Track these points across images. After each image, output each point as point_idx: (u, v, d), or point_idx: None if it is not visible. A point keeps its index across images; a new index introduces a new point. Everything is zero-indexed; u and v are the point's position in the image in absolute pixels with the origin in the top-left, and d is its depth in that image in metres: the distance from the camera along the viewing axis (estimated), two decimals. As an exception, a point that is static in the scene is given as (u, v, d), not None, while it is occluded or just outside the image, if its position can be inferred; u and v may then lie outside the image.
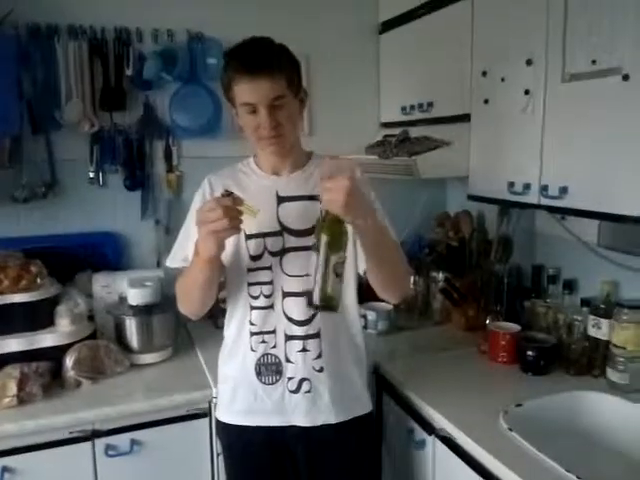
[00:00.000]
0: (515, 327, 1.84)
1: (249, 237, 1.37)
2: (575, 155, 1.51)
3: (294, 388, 1.40)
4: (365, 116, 2.47)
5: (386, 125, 2.45)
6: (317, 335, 1.39)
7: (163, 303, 1.89)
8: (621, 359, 1.58)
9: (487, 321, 1.91)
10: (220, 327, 2.00)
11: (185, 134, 2.21)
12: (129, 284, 1.91)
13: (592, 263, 1.83)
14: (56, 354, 1.72)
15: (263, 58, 1.27)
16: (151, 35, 2.13)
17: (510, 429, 1.40)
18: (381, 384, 1.80)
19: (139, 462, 1.64)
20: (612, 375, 1.61)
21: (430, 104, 2.08)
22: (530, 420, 1.44)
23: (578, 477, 1.20)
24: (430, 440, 1.56)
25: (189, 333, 2.11)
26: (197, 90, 2.17)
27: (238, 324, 1.44)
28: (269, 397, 1.41)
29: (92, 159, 2.12)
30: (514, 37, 1.67)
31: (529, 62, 1.61)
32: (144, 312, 1.86)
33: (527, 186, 1.65)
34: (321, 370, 1.40)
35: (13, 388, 1.58)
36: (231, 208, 1.18)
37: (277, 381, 1.41)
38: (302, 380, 1.40)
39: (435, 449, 1.54)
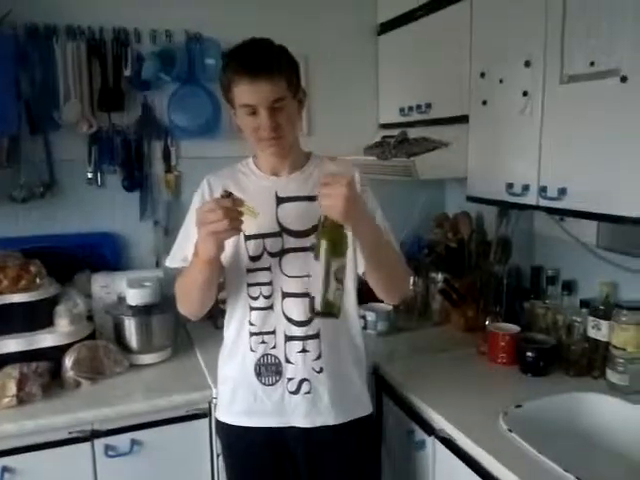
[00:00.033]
0: (514, 328, 1.84)
1: (248, 238, 1.37)
2: (573, 156, 1.51)
3: (294, 389, 1.40)
4: (364, 117, 2.48)
5: (385, 126, 2.45)
6: (317, 336, 1.39)
7: (162, 303, 1.89)
8: (621, 360, 1.58)
9: (486, 322, 1.91)
10: (219, 327, 2.00)
11: (183, 134, 2.21)
12: (128, 284, 1.91)
13: (591, 264, 1.83)
14: (55, 354, 1.72)
15: (263, 60, 1.27)
16: (149, 36, 2.13)
17: (510, 430, 1.40)
18: (381, 385, 1.80)
19: (139, 462, 1.64)
20: (612, 376, 1.61)
21: (428, 105, 2.09)
22: (530, 421, 1.44)
23: (577, 478, 1.20)
24: (430, 441, 1.56)
25: (188, 333, 2.11)
26: (195, 90, 2.17)
27: (238, 325, 1.43)
28: (269, 398, 1.41)
29: (90, 159, 2.11)
30: (512, 39, 1.68)
31: (527, 64, 1.61)
32: (143, 312, 1.86)
33: (526, 187, 1.65)
34: (321, 371, 1.40)
35: (12, 388, 1.58)
36: (231, 209, 1.18)
37: (277, 382, 1.41)
38: (302, 381, 1.40)
39: (435, 450, 1.55)
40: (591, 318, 1.70)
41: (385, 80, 2.46)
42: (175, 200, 2.25)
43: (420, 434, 1.60)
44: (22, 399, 1.59)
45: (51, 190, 2.06)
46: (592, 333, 1.70)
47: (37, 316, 1.76)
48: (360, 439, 1.49)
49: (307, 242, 1.36)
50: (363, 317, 2.04)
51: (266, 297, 1.40)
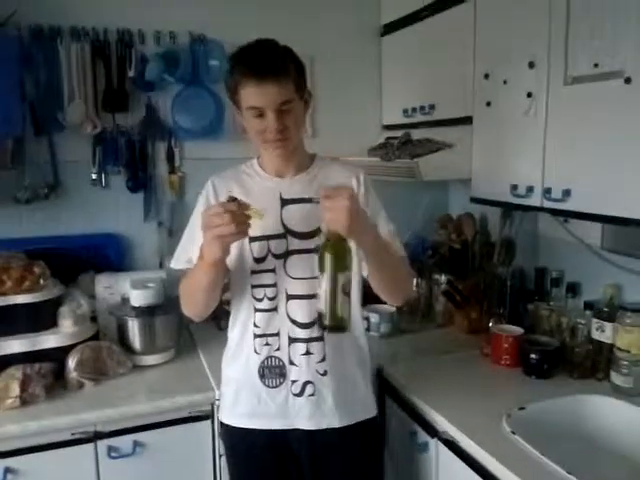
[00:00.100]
0: (518, 330, 1.83)
1: (253, 239, 1.37)
2: (578, 158, 1.51)
3: (298, 391, 1.40)
4: (367, 118, 2.48)
5: (388, 127, 2.45)
6: (321, 338, 1.39)
7: (166, 304, 1.89)
8: (625, 362, 1.57)
9: (490, 324, 1.90)
10: (223, 329, 2.00)
11: (187, 135, 2.21)
12: (132, 285, 1.91)
13: (595, 266, 1.83)
14: (59, 355, 1.72)
15: (270, 62, 1.26)
16: (153, 37, 2.14)
17: (513, 432, 1.39)
18: (384, 387, 1.80)
19: (141, 464, 1.64)
20: (616, 378, 1.60)
21: (432, 106, 2.08)
22: (533, 423, 1.44)
23: (581, 480, 1.20)
24: (433, 443, 1.55)
25: (192, 335, 2.11)
26: (199, 92, 2.18)
27: (242, 326, 1.43)
28: (273, 400, 1.41)
29: (94, 160, 2.12)
30: (516, 40, 1.67)
31: (531, 65, 1.61)
32: (146, 313, 1.86)
33: (530, 189, 1.65)
34: (325, 373, 1.40)
35: (16, 389, 1.58)
36: (238, 213, 1.18)
37: (281, 384, 1.40)
38: (306, 383, 1.40)
39: (438, 452, 1.54)
40: (595, 320, 1.70)
41: (388, 81, 2.46)
42: (179, 201, 2.25)
43: (423, 436, 1.59)
44: (25, 400, 1.59)
45: (55, 191, 2.07)
46: (596, 335, 1.69)
47: (41, 317, 1.76)
48: (365, 442, 1.48)
49: (311, 244, 1.36)
50: (366, 319, 2.03)
51: (270, 299, 1.39)
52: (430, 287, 2.29)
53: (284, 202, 1.40)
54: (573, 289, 1.88)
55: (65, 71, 2.00)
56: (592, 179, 1.47)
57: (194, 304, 1.42)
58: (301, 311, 1.38)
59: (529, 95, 1.63)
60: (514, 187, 1.70)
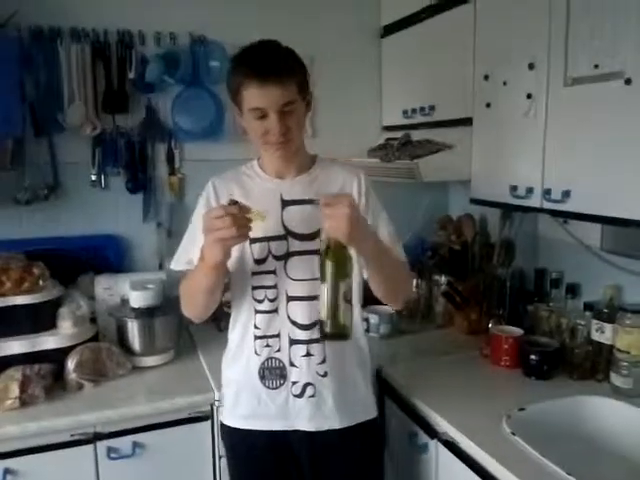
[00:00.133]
0: (518, 331, 1.83)
1: (253, 241, 1.36)
2: (578, 159, 1.51)
3: (298, 392, 1.40)
4: (367, 119, 2.48)
5: (388, 128, 2.45)
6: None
7: (165, 306, 1.89)
8: (625, 363, 1.58)
9: (490, 325, 1.90)
10: (222, 330, 2.01)
11: (187, 137, 2.21)
12: (131, 286, 1.91)
13: (595, 267, 1.83)
14: (58, 356, 1.72)
15: (273, 63, 1.26)
16: (154, 38, 2.14)
17: (513, 433, 1.39)
18: (383, 388, 1.80)
19: (141, 465, 1.64)
20: (616, 380, 1.60)
21: (432, 107, 2.08)
22: (533, 424, 1.44)
23: (581, 481, 1.20)
24: (433, 444, 1.55)
25: (191, 336, 2.11)
26: (199, 93, 2.17)
27: (242, 328, 1.43)
28: (273, 401, 1.41)
29: (94, 162, 2.12)
30: (516, 41, 1.68)
31: (531, 66, 1.61)
32: (146, 314, 1.86)
33: (530, 190, 1.65)
34: (325, 375, 1.40)
35: (15, 390, 1.58)
36: (239, 216, 1.18)
37: (281, 385, 1.40)
38: (306, 385, 1.39)
39: (438, 453, 1.54)
40: (595, 321, 1.70)
41: (388, 82, 2.46)
42: (178, 202, 2.25)
43: (423, 437, 1.59)
44: (25, 401, 1.59)
45: (55, 192, 2.07)
46: (596, 336, 1.69)
47: (40, 318, 1.76)
48: (365, 443, 1.48)
49: (312, 245, 1.36)
50: (366, 320, 2.03)
51: (271, 300, 1.39)
52: (430, 288, 2.29)
53: (285, 203, 1.39)
54: (573, 290, 1.88)
55: (65, 72, 2.00)
56: (592, 180, 1.47)
57: (194, 305, 1.42)
58: (301, 313, 1.38)
59: (529, 96, 1.63)
60: (514, 188, 1.70)
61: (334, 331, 1.22)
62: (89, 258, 2.11)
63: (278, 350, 1.40)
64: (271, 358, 1.40)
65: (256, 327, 1.40)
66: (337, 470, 1.45)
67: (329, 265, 1.20)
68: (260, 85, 1.25)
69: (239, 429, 1.45)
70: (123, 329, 1.86)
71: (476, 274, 2.18)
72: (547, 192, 1.59)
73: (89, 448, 1.59)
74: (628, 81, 1.34)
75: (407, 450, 1.68)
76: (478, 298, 2.10)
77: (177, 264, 1.46)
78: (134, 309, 1.87)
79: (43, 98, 1.99)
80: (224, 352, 1.51)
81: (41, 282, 1.77)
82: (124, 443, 1.61)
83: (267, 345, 1.40)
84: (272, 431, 1.42)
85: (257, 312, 1.40)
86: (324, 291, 1.20)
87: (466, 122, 1.91)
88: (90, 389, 1.70)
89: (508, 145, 1.74)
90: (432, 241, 2.43)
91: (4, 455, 1.50)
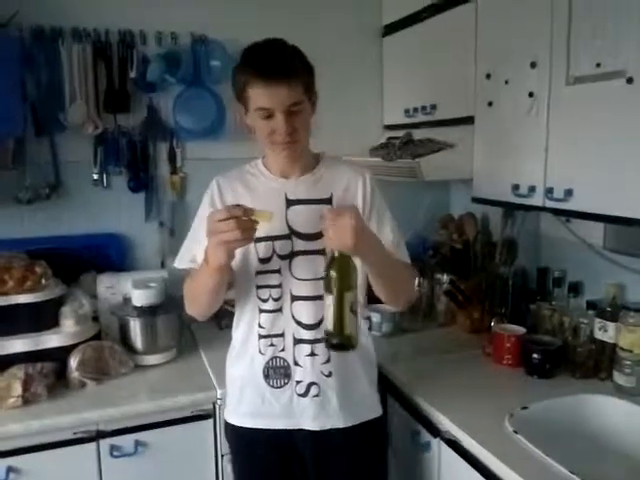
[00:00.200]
0: (520, 329, 1.83)
1: (258, 240, 1.35)
2: (580, 158, 1.51)
3: (302, 392, 1.40)
4: (368, 118, 2.48)
5: (389, 127, 2.45)
6: (326, 339, 1.39)
7: (167, 304, 1.89)
8: (628, 362, 1.57)
9: (492, 323, 1.91)
10: (223, 328, 2.02)
11: (189, 136, 2.21)
12: (133, 285, 1.91)
13: (598, 266, 1.83)
14: (61, 355, 1.72)
15: (281, 63, 1.25)
16: (155, 38, 2.14)
17: (515, 432, 1.39)
18: (385, 386, 1.79)
19: (143, 463, 1.64)
20: (619, 378, 1.60)
21: (433, 106, 2.08)
22: (536, 423, 1.44)
23: (584, 480, 1.20)
24: (435, 443, 1.55)
25: (193, 334, 2.11)
26: (201, 92, 2.18)
27: (246, 327, 1.43)
28: (277, 400, 1.41)
29: (96, 161, 2.12)
30: (518, 40, 1.67)
31: (533, 65, 1.61)
32: (148, 313, 1.86)
33: (532, 189, 1.64)
34: (329, 375, 1.40)
35: (18, 388, 1.58)
36: (243, 219, 1.18)
37: (285, 384, 1.40)
38: (310, 384, 1.39)
39: (440, 452, 1.54)
40: (598, 320, 1.70)
41: (390, 81, 2.46)
42: (180, 201, 2.25)
43: (425, 436, 1.59)
44: (27, 399, 1.59)
45: (57, 191, 2.07)
46: (599, 335, 1.69)
47: (42, 317, 1.76)
48: (370, 442, 1.48)
49: (317, 245, 1.36)
50: (368, 318, 2.02)
51: (275, 300, 1.39)
52: (432, 287, 2.29)
53: (289, 203, 1.39)
54: (575, 289, 1.88)
55: (66, 72, 2.00)
56: (594, 179, 1.47)
57: (198, 304, 1.42)
58: (306, 312, 1.38)
59: (531, 95, 1.62)
60: (516, 187, 1.70)
61: (340, 342, 1.23)
62: (91, 257, 2.12)
63: (282, 349, 1.39)
64: (275, 357, 1.40)
65: (260, 326, 1.40)
66: (341, 469, 1.45)
67: (334, 277, 1.20)
68: (267, 85, 1.24)
69: (243, 427, 1.45)
70: (125, 327, 1.87)
71: (478, 273, 2.18)
72: (549, 191, 1.58)
73: (92, 446, 1.59)
74: (630, 80, 1.34)
75: (409, 449, 1.68)
76: (480, 297, 2.10)
77: (181, 262, 1.46)
78: (136, 308, 1.87)
79: (44, 97, 1.99)
80: (227, 350, 1.51)
81: (43, 281, 1.77)
82: (127, 441, 1.61)
83: (271, 344, 1.40)
84: (276, 430, 1.42)
85: (261, 311, 1.40)
86: (330, 302, 1.20)
87: (468, 121, 1.90)
88: (93, 387, 1.70)
89: (510, 144, 1.74)
90: (434, 240, 2.42)
91: (7, 453, 1.50)
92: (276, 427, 1.42)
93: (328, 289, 1.21)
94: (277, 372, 1.40)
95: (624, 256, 1.74)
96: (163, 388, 1.71)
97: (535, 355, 1.71)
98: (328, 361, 1.39)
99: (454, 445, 1.47)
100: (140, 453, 1.63)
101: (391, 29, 2.37)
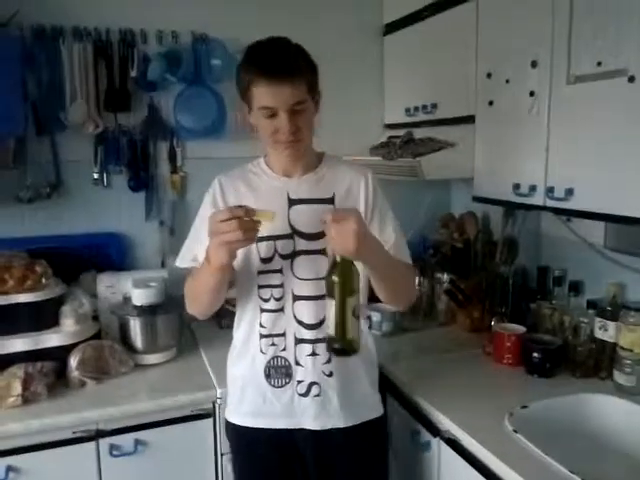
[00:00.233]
0: (520, 329, 1.83)
1: (260, 239, 1.34)
2: (581, 157, 1.50)
3: (303, 391, 1.40)
4: (369, 117, 2.48)
5: (390, 126, 2.45)
6: (327, 339, 1.39)
7: (167, 303, 1.89)
8: (628, 361, 1.57)
9: (492, 322, 1.90)
10: (224, 327, 2.02)
11: (189, 135, 2.21)
12: (133, 284, 1.91)
13: (598, 265, 1.82)
14: (61, 354, 1.72)
15: (285, 61, 1.24)
16: (155, 36, 2.14)
17: (515, 431, 1.39)
18: (385, 386, 1.79)
19: (143, 462, 1.64)
20: (619, 377, 1.60)
21: (434, 105, 2.08)
22: (536, 422, 1.44)
23: (583, 479, 1.20)
24: (435, 442, 1.55)
25: (193, 333, 2.11)
26: (201, 91, 2.17)
27: (248, 326, 1.43)
28: (278, 400, 1.41)
29: (96, 160, 2.12)
30: (519, 39, 1.67)
31: (534, 64, 1.61)
32: (148, 312, 1.86)
33: (533, 188, 1.64)
34: (331, 375, 1.40)
35: (18, 388, 1.58)
36: (245, 219, 1.17)
37: (286, 384, 1.40)
38: (312, 384, 1.39)
39: (440, 451, 1.54)
40: (598, 319, 1.69)
41: (391, 80, 2.46)
42: (181, 200, 2.25)
43: (425, 435, 1.59)
44: (27, 398, 1.59)
45: (57, 191, 2.07)
46: (599, 334, 1.69)
47: (43, 316, 1.76)
48: (371, 442, 1.48)
49: (319, 245, 1.35)
50: (368, 317, 2.02)
51: (277, 299, 1.39)
52: (432, 286, 2.29)
53: (291, 202, 1.39)
54: (576, 288, 1.88)
55: (67, 71, 2.00)
56: (595, 178, 1.46)
57: (199, 303, 1.42)
58: (307, 312, 1.37)
59: (532, 94, 1.62)
60: (517, 186, 1.70)
61: (342, 347, 1.23)
62: (91, 256, 2.12)
63: (284, 349, 1.39)
64: (277, 357, 1.40)
65: (262, 326, 1.40)
66: (342, 469, 1.45)
67: (336, 282, 1.19)
68: (270, 84, 1.24)
69: (244, 427, 1.45)
70: (125, 327, 1.87)
71: (479, 272, 2.18)
72: (550, 190, 1.58)
73: (91, 445, 1.59)
74: (632, 79, 1.33)
75: (409, 448, 1.68)
76: (480, 296, 2.10)
77: (182, 261, 1.46)
78: (136, 307, 1.87)
79: (45, 97, 1.99)
80: (227, 350, 1.51)
81: (44, 280, 1.77)
82: (126, 440, 1.61)
83: (273, 344, 1.40)
84: (277, 429, 1.42)
85: (263, 311, 1.40)
86: (332, 307, 1.20)
87: (468, 120, 1.90)
88: (92, 387, 1.70)
89: (511, 143, 1.74)
90: (434, 239, 2.42)
91: (7, 452, 1.50)
92: (277, 426, 1.42)
93: (330, 294, 1.20)
94: (278, 372, 1.40)
95: (625, 255, 1.74)
96: (163, 387, 1.71)
97: (535, 354, 1.71)
98: (329, 361, 1.39)
99: (454, 444, 1.47)
100: (140, 452, 1.63)
101: (392, 28, 2.37)
